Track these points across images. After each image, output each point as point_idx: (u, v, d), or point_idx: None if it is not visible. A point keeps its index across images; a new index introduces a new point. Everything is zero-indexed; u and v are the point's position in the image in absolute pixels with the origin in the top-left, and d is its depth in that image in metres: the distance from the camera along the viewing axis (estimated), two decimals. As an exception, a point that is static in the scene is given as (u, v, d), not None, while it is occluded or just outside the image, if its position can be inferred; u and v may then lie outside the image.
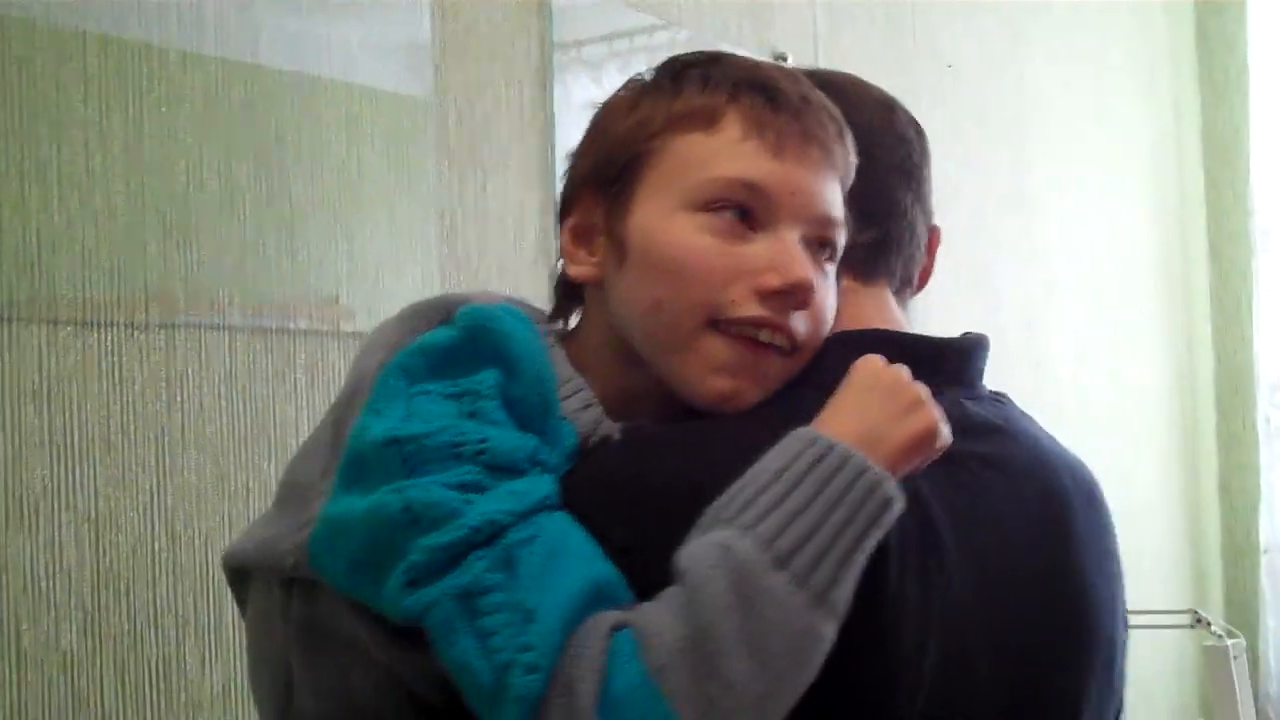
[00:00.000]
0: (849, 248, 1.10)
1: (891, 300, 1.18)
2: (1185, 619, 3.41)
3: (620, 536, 0.94)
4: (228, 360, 1.84)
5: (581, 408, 1.01)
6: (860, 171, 1.11)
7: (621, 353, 1.07)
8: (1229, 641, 3.23)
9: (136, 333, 1.75)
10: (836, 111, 1.08)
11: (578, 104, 2.30)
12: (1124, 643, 1.16)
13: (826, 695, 0.91)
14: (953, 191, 3.40)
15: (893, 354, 1.03)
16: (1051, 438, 1.21)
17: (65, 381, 1.68)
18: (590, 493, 0.97)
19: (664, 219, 1.02)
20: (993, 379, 3.59)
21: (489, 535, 0.88)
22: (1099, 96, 4.17)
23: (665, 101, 1.05)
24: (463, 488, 0.90)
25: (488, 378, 0.96)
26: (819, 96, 1.07)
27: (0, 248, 1.61)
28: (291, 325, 1.91)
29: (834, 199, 1.06)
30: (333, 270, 1.95)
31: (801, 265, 1.01)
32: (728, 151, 1.01)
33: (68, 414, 1.68)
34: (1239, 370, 4.60)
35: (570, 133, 2.23)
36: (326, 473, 0.98)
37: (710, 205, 1.01)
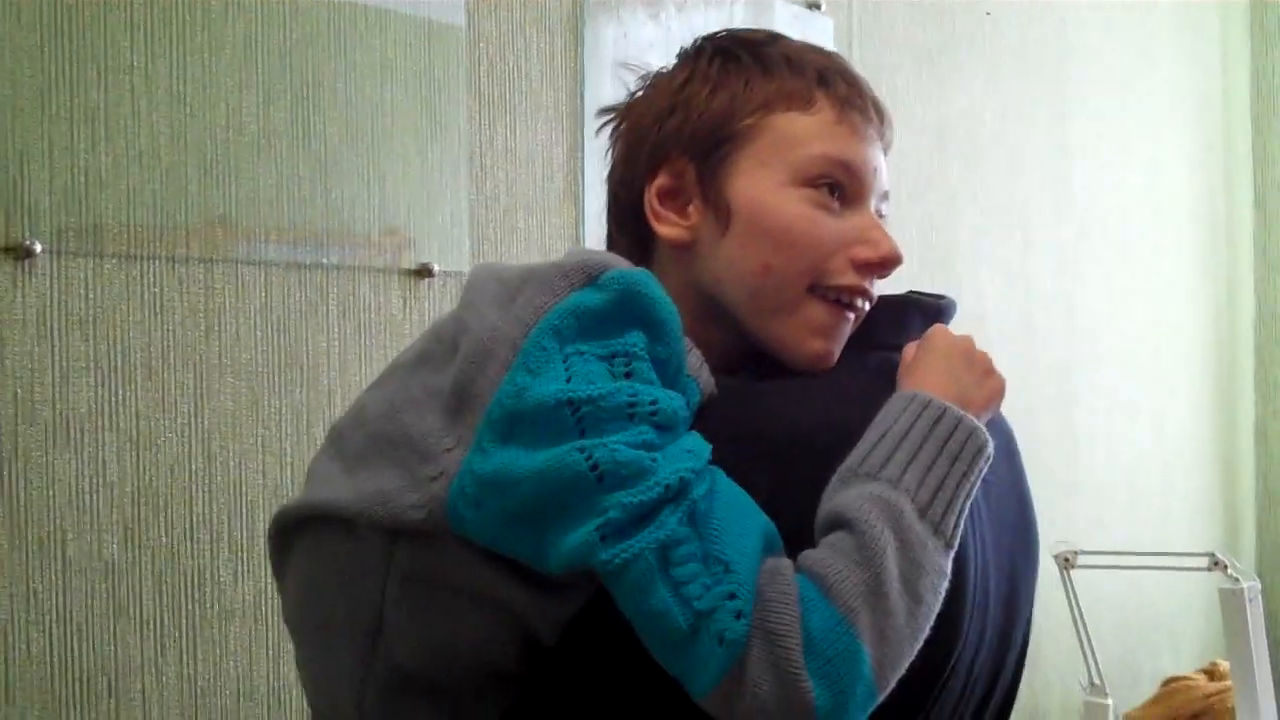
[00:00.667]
0: None
1: None
2: (1203, 561, 3.47)
3: (765, 484, 1.01)
4: (263, 293, 1.94)
5: (699, 366, 1.08)
6: None
7: (704, 312, 1.14)
8: (1245, 584, 3.29)
9: (177, 266, 1.85)
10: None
11: (607, 50, 2.37)
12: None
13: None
14: (991, 139, 3.45)
15: (921, 315, 1.19)
16: None
17: (109, 310, 1.79)
18: (729, 444, 1.02)
19: (774, 191, 1.11)
20: (1023, 321, 3.67)
21: (677, 491, 0.93)
22: (1143, 41, 4.17)
23: (761, 80, 1.14)
24: (645, 446, 0.95)
25: (637, 340, 1.00)
26: (866, 81, 1.20)
27: (51, 186, 1.72)
28: (325, 260, 2.00)
29: (888, 176, 1.19)
30: (365, 208, 2.04)
31: (890, 240, 1.14)
32: (827, 132, 1.12)
33: (111, 340, 1.79)
34: (1280, 319, 4.63)
35: (600, 78, 2.32)
36: (450, 429, 1.00)
37: (814, 181, 1.11)
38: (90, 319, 1.77)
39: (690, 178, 1.14)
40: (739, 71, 1.15)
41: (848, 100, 1.14)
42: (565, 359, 0.98)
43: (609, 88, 2.30)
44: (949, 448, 1.02)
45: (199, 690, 1.88)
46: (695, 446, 0.98)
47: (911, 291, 1.23)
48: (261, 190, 1.93)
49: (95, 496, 1.79)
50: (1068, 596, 3.54)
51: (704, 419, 1.05)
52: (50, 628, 1.74)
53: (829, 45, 2.86)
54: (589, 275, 1.02)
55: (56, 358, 1.75)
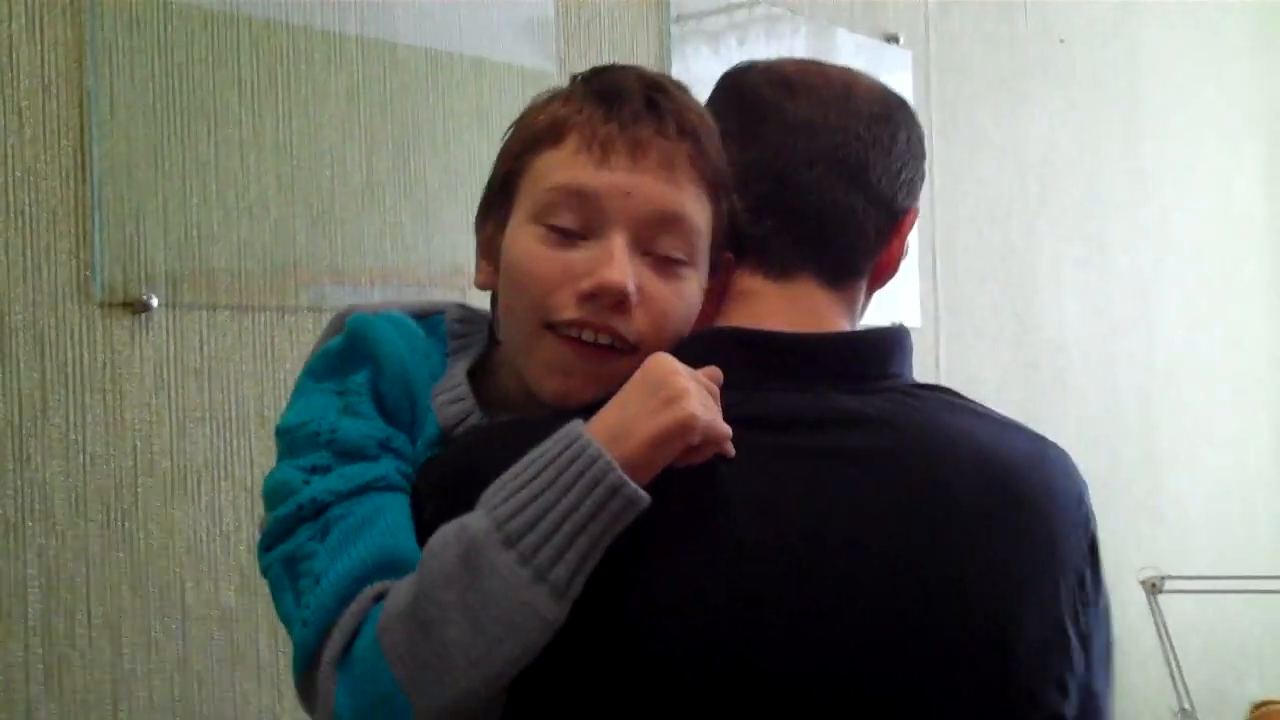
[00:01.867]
0: (749, 240, 1.15)
1: (819, 295, 1.16)
2: (1282, 584, 3.44)
3: (428, 514, 1.03)
4: (369, 340, 1.97)
5: (450, 402, 1.12)
6: (752, 164, 1.15)
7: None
8: (1334, 607, 3.26)
9: (287, 315, 1.88)
10: (695, 114, 1.11)
11: (697, 76, 2.38)
12: (1036, 653, 1.06)
13: (575, 678, 0.97)
14: (1066, 165, 3.45)
15: (742, 351, 1.07)
16: (987, 431, 1.13)
17: (223, 361, 1.82)
18: (422, 475, 1.09)
19: (515, 231, 1.09)
20: (1103, 347, 3.63)
21: (314, 510, 1.02)
22: (1216, 61, 4.16)
23: (532, 118, 1.11)
24: (312, 470, 1.04)
25: (360, 376, 1.09)
26: (676, 101, 1.10)
27: (165, 240, 1.75)
28: (427, 305, 2.03)
29: (675, 198, 1.07)
30: (466, 252, 2.05)
31: (614, 268, 1.04)
32: (564, 163, 1.07)
33: (225, 391, 1.82)
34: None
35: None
36: None
37: (545, 215, 1.06)
38: (205, 370, 1.81)
39: (494, 227, 1.14)
40: (531, 112, 1.13)
41: (598, 127, 1.07)
42: (307, 394, 1.10)
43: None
44: (560, 481, 0.95)
45: (314, 735, 1.90)
46: (359, 473, 1.03)
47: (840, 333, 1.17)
48: (367, 239, 1.96)
49: (212, 545, 1.81)
50: (1155, 622, 3.51)
51: (440, 450, 1.11)
52: (172, 675, 1.77)
53: (906, 78, 2.87)
54: (342, 319, 1.15)
55: (174, 409, 1.78)
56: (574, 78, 1.14)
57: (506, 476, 0.97)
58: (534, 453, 0.97)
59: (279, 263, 1.86)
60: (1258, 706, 3.63)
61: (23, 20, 1.67)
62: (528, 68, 2.16)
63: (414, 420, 1.11)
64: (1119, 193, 3.67)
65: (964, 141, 3.09)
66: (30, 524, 1.66)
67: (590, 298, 1.05)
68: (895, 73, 2.84)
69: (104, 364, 1.72)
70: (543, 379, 1.08)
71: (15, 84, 1.66)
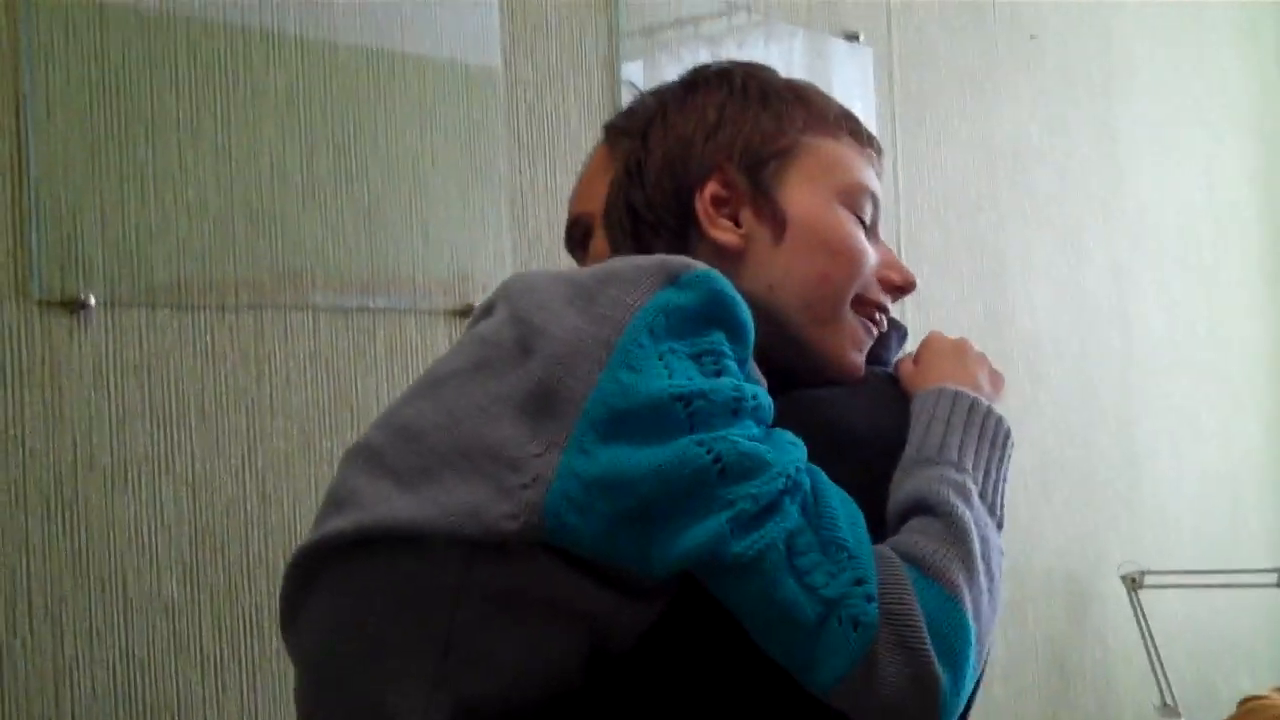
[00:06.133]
0: None
1: None
2: (1274, 578, 3.44)
3: (840, 480, 1.03)
4: (312, 337, 2.01)
5: (754, 369, 1.09)
6: None
7: None
8: (1316, 600, 3.26)
9: (227, 314, 1.92)
10: None
11: (651, 77, 2.42)
12: None
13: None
14: (1037, 157, 3.46)
15: (897, 335, 1.26)
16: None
17: (163, 358, 1.86)
18: (806, 442, 1.05)
19: (827, 208, 1.16)
20: (1078, 338, 3.64)
21: (795, 483, 0.95)
22: (1196, 51, 4.15)
23: (800, 105, 1.20)
24: (755, 440, 0.96)
25: (720, 339, 1.00)
26: None
27: (103, 240, 1.80)
28: (371, 304, 2.07)
29: None
30: (409, 252, 2.10)
31: (908, 270, 1.22)
32: (859, 163, 1.20)
33: (166, 387, 1.86)
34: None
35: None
36: (535, 434, 0.98)
37: (854, 205, 1.18)
38: (145, 367, 1.85)
39: (741, 188, 1.17)
40: (777, 96, 1.20)
41: (868, 138, 1.22)
42: (661, 357, 0.97)
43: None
44: (985, 433, 1.08)
45: (260, 724, 1.94)
46: (795, 439, 1.00)
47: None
48: (307, 238, 1.99)
49: (154, 538, 1.85)
50: (1136, 617, 3.53)
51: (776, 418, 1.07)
52: (114, 665, 1.81)
53: (868, 75, 2.89)
54: (670, 274, 1.01)
55: (113, 405, 1.82)
56: (753, 73, 1.23)
57: (934, 436, 1.07)
58: (940, 413, 1.09)
59: (218, 262, 1.90)
60: (1244, 701, 3.63)
61: (-43, 27, 1.71)
62: (472, 66, 2.19)
63: None
64: (1093, 184, 3.68)
65: (928, 135, 3.11)
66: (-33, 517, 1.71)
67: (900, 289, 1.20)
68: (856, 70, 2.86)
69: (42, 360, 1.76)
70: (847, 352, 1.17)
71: (-50, 89, 1.70)
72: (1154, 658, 3.52)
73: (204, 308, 1.90)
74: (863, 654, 0.91)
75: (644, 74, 2.43)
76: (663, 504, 0.93)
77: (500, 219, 2.22)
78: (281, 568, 1.91)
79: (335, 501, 1.07)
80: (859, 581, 0.92)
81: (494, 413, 0.99)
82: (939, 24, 3.19)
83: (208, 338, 1.90)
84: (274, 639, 1.95)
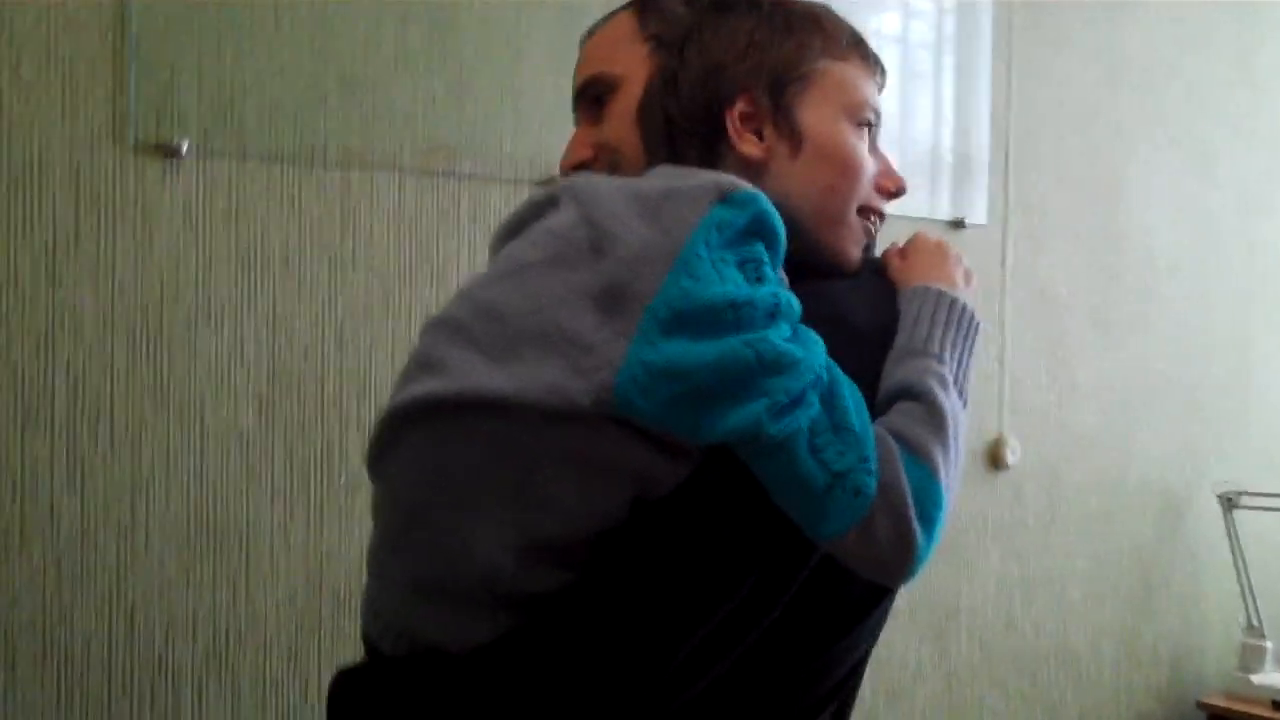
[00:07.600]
0: None
1: None
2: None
3: (847, 367, 1.22)
4: (397, 198, 2.13)
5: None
6: None
7: None
8: None
9: (315, 169, 2.04)
10: None
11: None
12: None
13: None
14: (1167, 71, 3.41)
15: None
16: None
17: (250, 207, 2.00)
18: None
19: (837, 125, 1.33)
20: (1200, 255, 3.58)
21: (818, 377, 1.15)
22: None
23: (818, 33, 1.35)
24: (790, 340, 1.16)
25: (760, 250, 1.20)
26: None
27: (199, 92, 1.93)
28: (457, 169, 2.18)
29: None
30: (497, 124, 2.20)
31: (901, 176, 1.37)
32: (864, 82, 1.35)
33: (252, 235, 2.00)
34: None
35: None
36: (605, 325, 1.16)
37: (859, 121, 1.33)
38: (233, 214, 1.99)
39: (765, 107, 1.33)
40: (800, 24, 1.36)
41: (873, 59, 1.38)
42: (714, 265, 1.16)
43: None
44: (960, 327, 1.26)
45: (323, 554, 2.10)
46: (817, 338, 1.18)
47: None
48: (398, 105, 2.10)
49: (233, 372, 2.00)
50: (1229, 537, 3.52)
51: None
52: (189, 486, 1.98)
53: (991, -25, 2.88)
54: (722, 193, 1.20)
55: (201, 248, 1.96)
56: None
57: (921, 329, 1.26)
58: (927, 309, 1.28)
59: (308, 121, 2.02)
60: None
61: (74, -116, 1.85)
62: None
63: None
64: (1226, 103, 3.60)
65: (1047, 41, 3.09)
66: (59, 337, 1.87)
67: (892, 195, 1.36)
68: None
69: (135, 201, 1.91)
70: (852, 249, 1.34)
71: (64, -57, 1.84)
72: (1244, 579, 3.52)
73: (293, 162, 2.02)
74: (860, 517, 1.11)
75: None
76: (713, 390, 1.12)
77: (588, 97, 2.29)
78: (354, 410, 2.08)
79: (424, 365, 1.24)
80: (862, 459, 1.11)
81: (571, 302, 1.17)
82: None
83: (295, 190, 2.03)
84: (341, 474, 2.10)
